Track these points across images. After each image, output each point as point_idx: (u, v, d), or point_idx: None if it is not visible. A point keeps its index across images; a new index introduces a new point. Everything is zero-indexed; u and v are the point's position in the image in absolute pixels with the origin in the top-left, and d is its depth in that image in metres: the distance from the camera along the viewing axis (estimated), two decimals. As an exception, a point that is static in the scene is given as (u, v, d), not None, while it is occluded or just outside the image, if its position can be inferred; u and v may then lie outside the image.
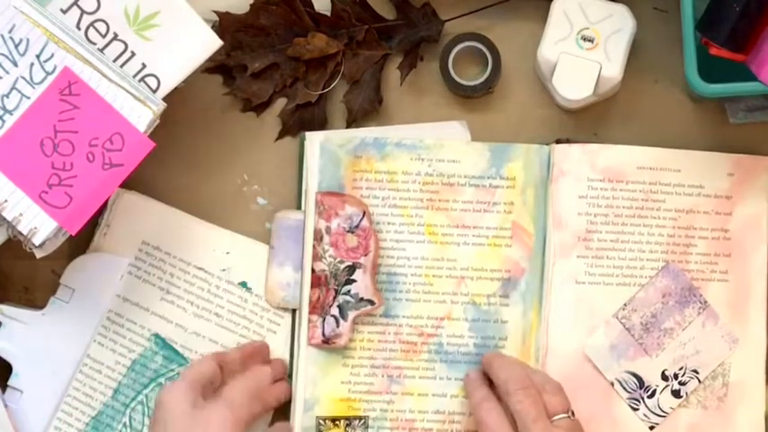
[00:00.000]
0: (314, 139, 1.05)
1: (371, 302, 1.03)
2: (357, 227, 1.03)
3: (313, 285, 1.03)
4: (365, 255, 1.02)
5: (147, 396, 1.05)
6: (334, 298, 1.03)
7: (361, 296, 1.03)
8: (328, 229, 1.03)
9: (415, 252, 1.04)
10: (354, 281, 1.03)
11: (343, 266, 1.03)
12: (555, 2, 1.03)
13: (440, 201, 1.05)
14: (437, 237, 1.04)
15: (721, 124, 1.06)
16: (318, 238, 1.03)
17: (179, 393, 0.97)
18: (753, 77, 0.95)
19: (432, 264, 1.04)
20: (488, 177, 1.05)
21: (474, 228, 1.05)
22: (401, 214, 1.04)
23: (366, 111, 1.06)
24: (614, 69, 1.02)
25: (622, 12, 1.03)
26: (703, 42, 0.97)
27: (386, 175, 1.04)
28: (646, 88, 1.07)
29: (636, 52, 1.04)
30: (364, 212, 1.03)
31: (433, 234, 1.04)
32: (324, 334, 1.03)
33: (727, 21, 0.95)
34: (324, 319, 1.03)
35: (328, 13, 1.06)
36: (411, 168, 1.05)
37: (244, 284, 1.06)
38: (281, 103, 1.08)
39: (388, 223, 1.04)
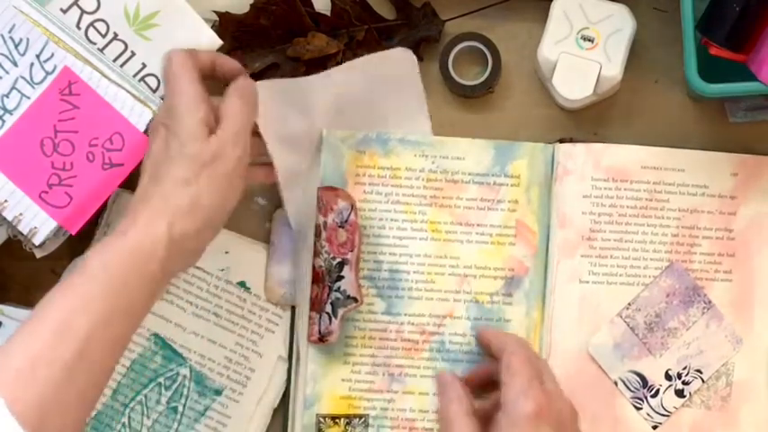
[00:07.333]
0: None
1: (355, 300, 1.00)
2: (346, 221, 1.01)
3: (313, 281, 1.03)
4: (351, 250, 1.00)
5: (146, 396, 1.05)
6: (328, 295, 1.02)
7: (348, 293, 1.01)
8: (325, 225, 1.02)
9: (418, 249, 1.03)
10: (343, 277, 1.01)
11: (335, 263, 1.01)
12: (555, 2, 1.03)
13: (443, 198, 1.04)
14: (440, 234, 1.04)
15: (721, 124, 1.06)
16: (318, 233, 1.02)
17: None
18: (753, 77, 0.95)
19: (434, 261, 1.03)
20: (493, 175, 1.04)
21: (478, 225, 1.04)
22: (404, 211, 1.04)
23: (366, 111, 1.07)
24: (614, 69, 1.02)
25: (622, 12, 1.03)
26: (703, 42, 0.97)
27: (389, 171, 1.04)
28: (646, 88, 1.07)
29: (636, 52, 1.05)
30: (352, 206, 1.01)
31: (436, 231, 1.04)
32: (319, 331, 1.02)
33: (727, 21, 0.95)
34: (320, 316, 1.02)
35: (328, 13, 1.06)
36: (415, 165, 1.04)
37: (242, 284, 1.05)
38: (281, 102, 1.08)
39: (391, 220, 1.03)
